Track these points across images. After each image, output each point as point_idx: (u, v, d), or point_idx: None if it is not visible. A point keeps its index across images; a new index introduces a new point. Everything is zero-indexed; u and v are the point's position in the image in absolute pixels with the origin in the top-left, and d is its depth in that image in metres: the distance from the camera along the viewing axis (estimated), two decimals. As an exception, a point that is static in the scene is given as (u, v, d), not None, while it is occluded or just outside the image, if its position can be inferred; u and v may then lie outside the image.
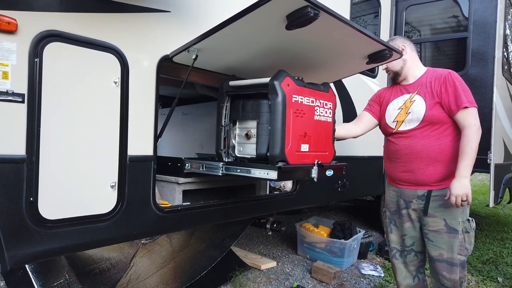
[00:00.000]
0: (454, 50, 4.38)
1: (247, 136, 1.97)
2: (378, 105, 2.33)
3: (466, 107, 1.96)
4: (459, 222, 2.03)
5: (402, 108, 2.16)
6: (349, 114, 3.38)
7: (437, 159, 2.05)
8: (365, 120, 2.37)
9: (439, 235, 2.05)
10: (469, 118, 1.97)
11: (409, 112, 2.11)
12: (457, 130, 2.04)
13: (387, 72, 2.29)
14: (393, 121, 2.19)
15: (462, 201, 1.91)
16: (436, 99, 2.04)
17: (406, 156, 2.12)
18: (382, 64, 2.22)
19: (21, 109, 1.45)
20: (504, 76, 4.07)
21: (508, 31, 4.30)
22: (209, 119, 3.03)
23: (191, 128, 3.34)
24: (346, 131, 2.36)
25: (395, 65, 2.20)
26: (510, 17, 4.34)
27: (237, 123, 2.05)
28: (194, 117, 3.33)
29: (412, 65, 2.20)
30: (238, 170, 1.96)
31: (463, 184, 1.91)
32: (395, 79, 2.27)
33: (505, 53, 4.30)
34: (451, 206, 1.98)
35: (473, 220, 2.08)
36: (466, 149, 1.94)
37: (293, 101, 1.84)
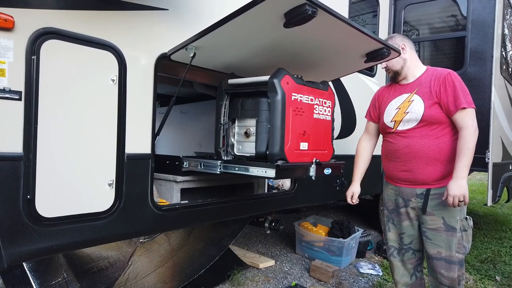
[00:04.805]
0: (452, 49, 4.37)
1: (246, 135, 1.97)
2: (377, 109, 2.32)
3: (464, 108, 1.96)
4: (457, 220, 2.03)
5: (400, 108, 2.16)
6: (348, 113, 3.38)
7: (436, 159, 2.05)
8: (371, 131, 2.42)
9: (438, 233, 2.06)
10: (467, 119, 1.97)
11: (407, 112, 2.11)
12: (455, 129, 2.04)
13: (386, 71, 2.28)
14: (391, 121, 2.19)
15: (459, 201, 1.92)
16: (435, 99, 2.03)
17: (405, 156, 2.12)
18: (380, 63, 2.22)
19: (18, 107, 1.45)
20: (503, 75, 4.07)
21: (506, 31, 4.29)
22: (208, 117, 3.03)
23: (189, 127, 3.33)
24: (370, 151, 2.44)
25: (395, 64, 2.19)
26: (508, 16, 4.33)
27: (236, 121, 2.05)
28: (193, 116, 3.33)
29: (411, 64, 2.18)
30: (236, 168, 1.96)
31: (460, 185, 1.92)
32: (394, 78, 2.25)
33: (504, 53, 4.30)
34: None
35: (471, 218, 2.08)
36: (464, 150, 1.94)
37: (292, 99, 1.85)
